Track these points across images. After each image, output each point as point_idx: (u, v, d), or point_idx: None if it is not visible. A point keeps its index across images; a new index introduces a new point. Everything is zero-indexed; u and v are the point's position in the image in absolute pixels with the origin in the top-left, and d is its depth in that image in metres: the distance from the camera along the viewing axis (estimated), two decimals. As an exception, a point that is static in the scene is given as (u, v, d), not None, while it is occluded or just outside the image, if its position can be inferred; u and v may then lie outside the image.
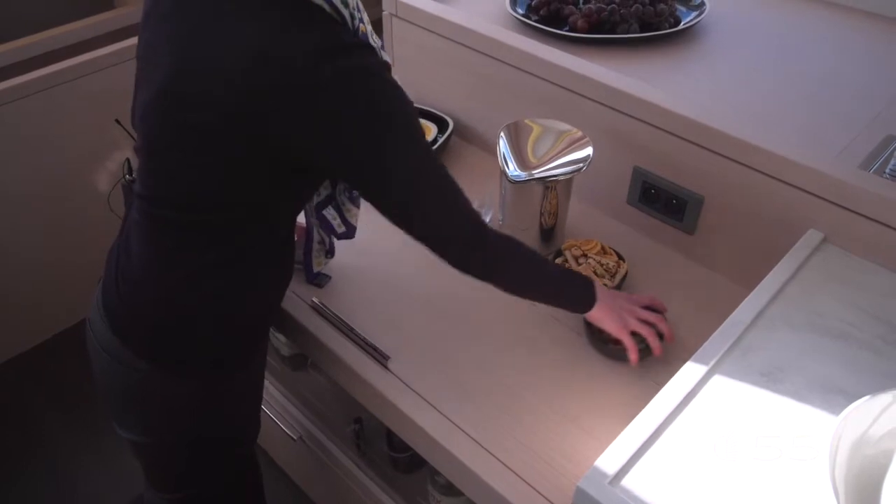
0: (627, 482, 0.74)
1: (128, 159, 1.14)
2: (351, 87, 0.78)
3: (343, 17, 0.83)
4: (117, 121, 1.21)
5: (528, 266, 0.98)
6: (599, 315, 1.01)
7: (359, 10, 0.88)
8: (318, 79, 0.76)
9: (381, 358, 1.06)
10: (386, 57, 0.90)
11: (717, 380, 0.84)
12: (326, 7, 0.81)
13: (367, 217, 1.04)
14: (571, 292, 1.02)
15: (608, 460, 0.75)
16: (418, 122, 0.87)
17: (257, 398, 1.19)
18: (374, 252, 1.24)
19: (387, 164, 0.84)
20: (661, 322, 1.04)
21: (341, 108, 0.79)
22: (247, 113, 0.79)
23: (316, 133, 0.80)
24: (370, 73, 0.80)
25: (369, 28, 0.90)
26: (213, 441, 1.10)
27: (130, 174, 1.14)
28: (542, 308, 1.12)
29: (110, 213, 1.29)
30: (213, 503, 1.20)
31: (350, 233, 1.14)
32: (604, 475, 0.74)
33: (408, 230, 0.91)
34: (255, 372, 1.14)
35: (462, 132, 1.50)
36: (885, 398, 0.74)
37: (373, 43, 0.88)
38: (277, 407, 1.53)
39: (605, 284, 1.13)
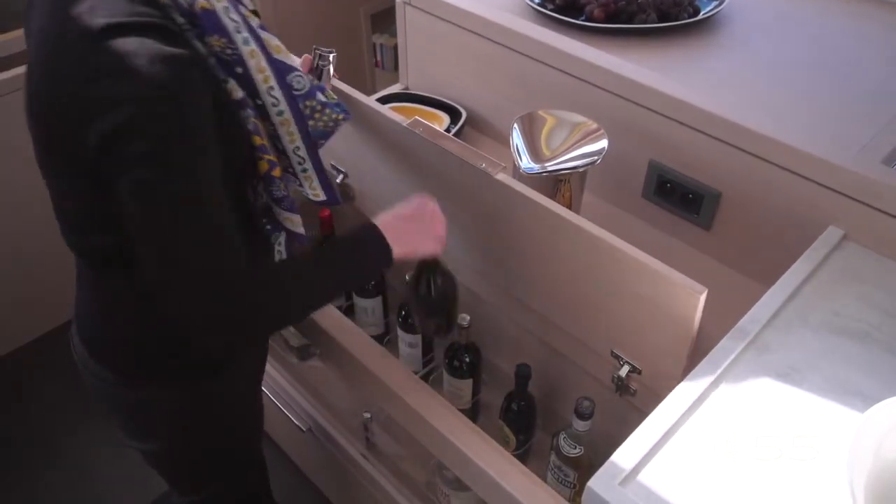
0: (639, 482, 0.72)
1: None
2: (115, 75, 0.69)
3: None
4: None
5: (305, 289, 0.87)
6: (402, 256, 0.92)
7: None
8: (89, 61, 0.69)
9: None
10: (251, 41, 0.80)
11: (732, 379, 0.82)
12: None
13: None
14: (367, 266, 0.93)
15: (619, 460, 0.74)
16: (193, 139, 0.73)
17: (250, 397, 1.15)
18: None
19: (133, 178, 0.72)
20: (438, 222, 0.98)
21: (101, 95, 0.70)
22: (43, 101, 0.74)
23: (81, 121, 0.71)
24: (148, 57, 0.69)
25: (220, 5, 0.78)
26: (212, 444, 1.09)
27: None
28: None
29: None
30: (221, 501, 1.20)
31: (300, 240, 0.98)
32: (615, 475, 0.73)
33: (145, 269, 0.78)
34: (242, 373, 1.08)
35: (475, 122, 1.48)
36: (906, 401, 0.72)
37: (228, 21, 0.78)
38: (286, 397, 1.52)
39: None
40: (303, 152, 0.91)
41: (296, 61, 0.87)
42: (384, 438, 1.38)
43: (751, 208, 1.11)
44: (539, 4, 1.38)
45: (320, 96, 0.90)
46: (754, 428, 0.77)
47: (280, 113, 0.86)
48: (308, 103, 0.89)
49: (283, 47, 0.86)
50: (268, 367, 1.52)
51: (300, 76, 0.87)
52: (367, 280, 0.94)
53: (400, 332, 1.36)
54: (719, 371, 0.82)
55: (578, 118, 1.18)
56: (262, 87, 0.83)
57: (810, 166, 1.00)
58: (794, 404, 0.79)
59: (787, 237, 1.08)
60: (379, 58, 2.59)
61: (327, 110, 0.91)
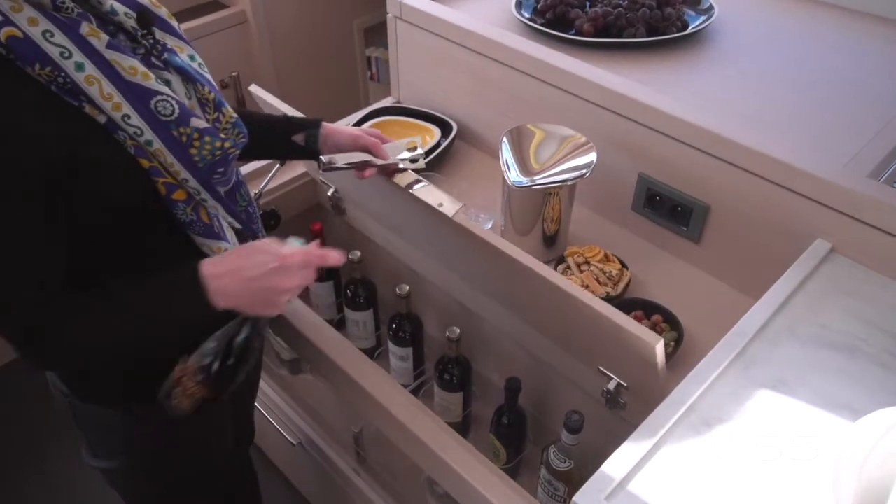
0: (625, 496, 0.72)
1: None
2: None
3: None
4: None
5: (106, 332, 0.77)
6: (229, 305, 0.78)
7: None
8: None
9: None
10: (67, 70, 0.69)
11: (721, 392, 0.82)
12: None
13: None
14: (179, 314, 0.79)
15: (606, 473, 0.74)
16: None
17: (212, 422, 1.07)
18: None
19: None
20: (309, 256, 0.81)
21: None
22: None
23: None
24: None
25: (36, 29, 0.68)
26: (177, 466, 1.05)
27: None
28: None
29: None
30: None
31: None
32: (601, 489, 0.72)
33: None
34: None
35: (466, 136, 1.49)
36: (893, 415, 0.72)
37: (50, 47, 0.68)
38: (277, 411, 1.52)
39: (608, 293, 1.11)
40: (194, 184, 0.79)
41: (158, 85, 0.75)
42: (375, 453, 1.37)
43: (739, 221, 1.11)
44: (529, 19, 1.39)
45: (196, 122, 0.77)
46: (743, 440, 0.77)
47: (149, 143, 0.74)
48: (182, 130, 0.76)
49: (139, 67, 0.74)
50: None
51: (166, 100, 0.75)
52: (184, 327, 0.81)
53: (391, 346, 1.36)
54: (707, 383, 0.82)
55: (567, 131, 1.18)
56: (115, 116, 0.72)
57: (798, 180, 1.01)
58: (782, 417, 0.79)
59: (775, 250, 1.08)
60: (374, 71, 2.60)
61: (206, 137, 0.78)
